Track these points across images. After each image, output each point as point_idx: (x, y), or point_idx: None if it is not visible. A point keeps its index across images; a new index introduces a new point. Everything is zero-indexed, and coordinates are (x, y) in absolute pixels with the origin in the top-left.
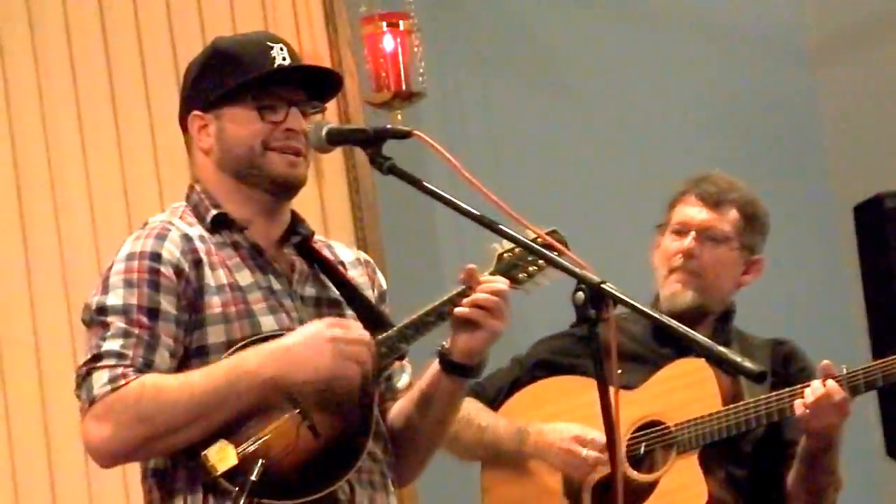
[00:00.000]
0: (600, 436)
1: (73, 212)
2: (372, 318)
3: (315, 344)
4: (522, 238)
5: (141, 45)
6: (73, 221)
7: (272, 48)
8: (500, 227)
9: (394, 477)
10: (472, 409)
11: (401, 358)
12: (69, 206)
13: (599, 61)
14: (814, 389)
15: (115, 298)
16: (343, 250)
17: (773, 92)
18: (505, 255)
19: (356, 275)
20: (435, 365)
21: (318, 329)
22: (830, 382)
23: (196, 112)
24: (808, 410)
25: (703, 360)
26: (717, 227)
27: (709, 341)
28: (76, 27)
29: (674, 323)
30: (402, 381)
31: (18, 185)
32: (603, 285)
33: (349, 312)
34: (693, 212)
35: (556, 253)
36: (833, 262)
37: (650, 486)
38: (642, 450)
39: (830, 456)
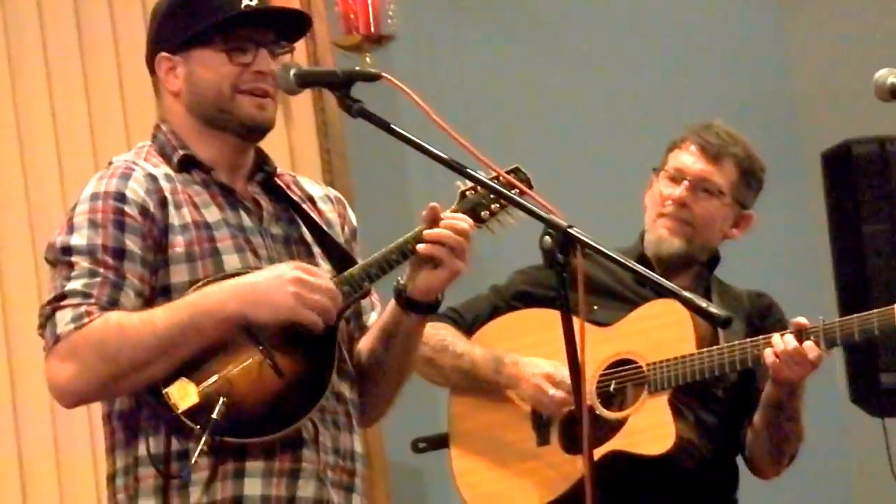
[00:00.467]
0: (566, 375)
1: (39, 150)
2: (338, 256)
3: (278, 285)
4: (487, 179)
5: None
6: (39, 160)
7: None
8: (468, 170)
9: (359, 417)
10: (448, 336)
11: (364, 296)
12: (35, 145)
13: (573, 5)
14: (786, 342)
15: (79, 238)
16: (311, 185)
17: (742, 36)
18: (468, 192)
19: (326, 210)
20: (392, 302)
21: (283, 271)
22: (807, 342)
23: (164, 54)
24: (778, 360)
25: (677, 302)
26: (712, 180)
27: (675, 286)
28: None
29: (638, 267)
30: (371, 318)
31: None
32: (570, 229)
33: (316, 250)
34: (690, 160)
35: (518, 192)
36: (801, 208)
37: (619, 424)
38: (613, 387)
39: (794, 403)
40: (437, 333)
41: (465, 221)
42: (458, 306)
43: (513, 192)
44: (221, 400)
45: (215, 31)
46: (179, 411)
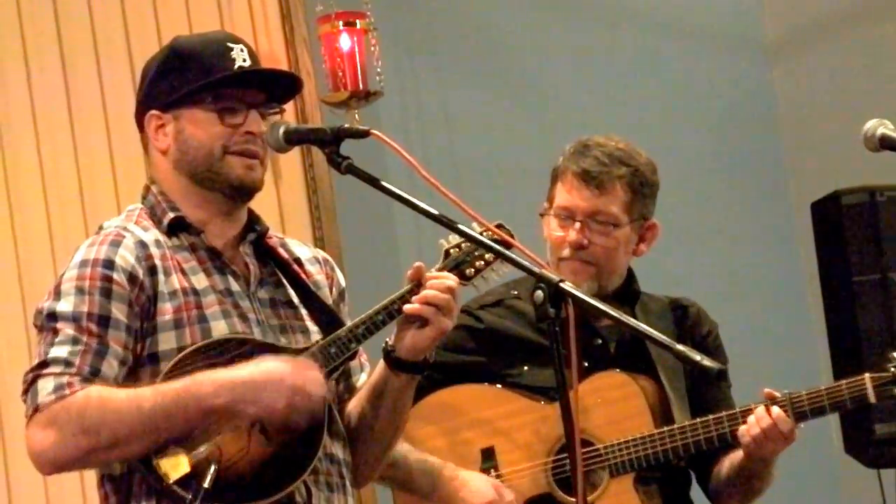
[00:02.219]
0: (513, 499)
1: (29, 213)
2: (326, 317)
3: (273, 385)
4: (475, 234)
5: (96, 44)
6: (29, 223)
7: (232, 49)
8: (457, 225)
9: (352, 478)
10: None
11: (352, 357)
12: (25, 207)
13: (557, 59)
14: (759, 418)
15: (65, 305)
16: (298, 247)
17: (730, 88)
18: (451, 250)
19: (314, 271)
20: (381, 362)
21: (281, 372)
22: (777, 411)
23: (154, 111)
24: (752, 440)
25: (623, 374)
26: (604, 211)
27: (669, 341)
28: (31, 30)
29: (632, 321)
30: (360, 379)
31: None
32: (561, 283)
33: (303, 312)
34: (576, 196)
35: (507, 247)
36: (791, 258)
37: None
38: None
39: (768, 468)
40: None
41: (450, 280)
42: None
43: (500, 245)
44: (213, 467)
45: (207, 91)
46: (171, 481)
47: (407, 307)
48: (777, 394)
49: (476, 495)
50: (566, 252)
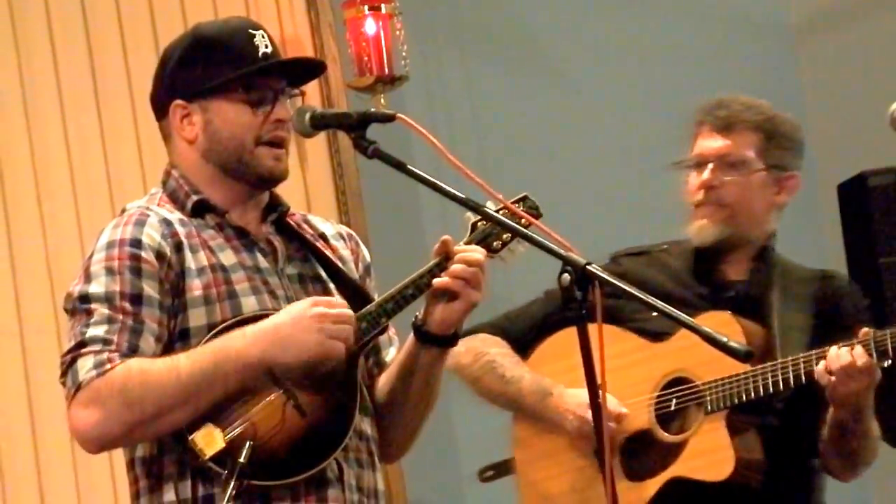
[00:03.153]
0: (616, 405)
1: (56, 200)
2: (353, 292)
3: (300, 323)
4: (498, 214)
5: (122, 31)
6: (56, 210)
7: (254, 36)
8: (482, 207)
9: (379, 454)
10: (497, 356)
11: (382, 332)
12: (53, 195)
13: (582, 43)
14: (838, 355)
15: (97, 286)
16: (322, 224)
17: (756, 71)
18: (479, 223)
19: (339, 247)
20: (411, 337)
21: (303, 308)
22: (857, 349)
23: (179, 101)
24: (832, 377)
25: (729, 315)
26: (733, 153)
27: (692, 321)
28: (58, 18)
29: (654, 301)
30: (389, 354)
31: (2, 174)
32: (588, 266)
33: (332, 287)
34: (707, 142)
35: (525, 223)
36: (817, 239)
37: (678, 447)
38: (673, 407)
39: (861, 423)
40: (487, 352)
41: (478, 252)
42: (510, 313)
43: (522, 222)
44: (248, 444)
45: (237, 82)
46: (206, 458)
47: (435, 281)
48: (868, 330)
49: (582, 398)
50: (699, 196)
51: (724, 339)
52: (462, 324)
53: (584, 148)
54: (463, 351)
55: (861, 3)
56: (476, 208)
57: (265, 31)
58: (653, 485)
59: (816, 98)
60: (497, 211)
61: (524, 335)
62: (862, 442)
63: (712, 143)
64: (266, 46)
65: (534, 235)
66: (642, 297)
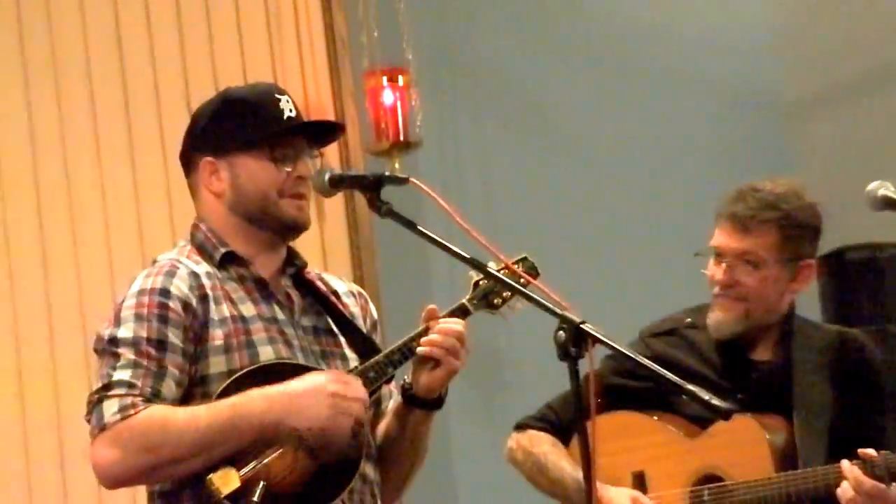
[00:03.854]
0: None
1: (90, 247)
2: (363, 344)
3: (316, 395)
4: (499, 275)
5: (158, 94)
6: (90, 256)
7: (280, 100)
8: (484, 266)
9: (381, 497)
10: (547, 454)
11: (389, 381)
12: (87, 243)
13: (590, 114)
14: (860, 482)
15: (125, 331)
16: (336, 281)
17: (745, 146)
18: (481, 282)
19: (350, 304)
20: (399, 399)
21: (322, 382)
22: (869, 481)
23: (208, 158)
24: (857, 497)
25: (753, 421)
26: (752, 252)
27: (679, 380)
28: (98, 77)
29: (645, 361)
30: (389, 405)
31: (41, 222)
32: (582, 325)
33: (342, 340)
34: (726, 237)
35: (526, 284)
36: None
37: None
38: (706, 498)
39: None
40: (538, 448)
41: (457, 324)
42: (554, 403)
43: (521, 282)
44: (262, 484)
45: (264, 140)
46: (222, 496)
47: (419, 349)
48: (872, 453)
49: (621, 499)
50: (717, 289)
51: (707, 397)
52: (446, 388)
53: (590, 214)
54: (515, 447)
55: (848, 86)
56: (478, 267)
57: (290, 96)
58: None
59: (799, 174)
60: (498, 270)
61: (569, 429)
62: None
63: (728, 240)
64: (290, 110)
65: (531, 294)
66: (635, 357)
